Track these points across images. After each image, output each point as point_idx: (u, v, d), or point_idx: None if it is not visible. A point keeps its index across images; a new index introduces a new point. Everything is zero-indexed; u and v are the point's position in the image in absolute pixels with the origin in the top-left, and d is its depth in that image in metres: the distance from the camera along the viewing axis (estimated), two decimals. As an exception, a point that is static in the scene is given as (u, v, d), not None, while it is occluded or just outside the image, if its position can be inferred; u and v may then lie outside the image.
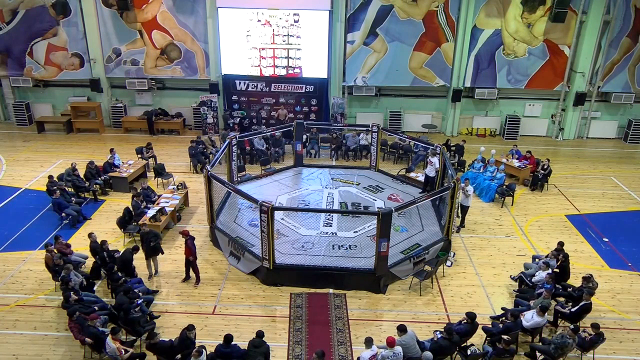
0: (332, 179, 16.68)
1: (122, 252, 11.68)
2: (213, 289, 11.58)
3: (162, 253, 12.13)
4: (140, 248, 11.78)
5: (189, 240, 11.52)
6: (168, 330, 9.55)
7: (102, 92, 21.39)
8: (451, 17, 19.94)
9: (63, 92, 21.84)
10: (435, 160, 14.81)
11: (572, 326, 9.61)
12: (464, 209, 14.18)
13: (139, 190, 14.57)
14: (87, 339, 9.22)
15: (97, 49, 20.70)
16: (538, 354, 9.40)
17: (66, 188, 14.96)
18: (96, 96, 21.57)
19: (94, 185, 15.55)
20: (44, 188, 14.97)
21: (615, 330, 10.56)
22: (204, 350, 8.66)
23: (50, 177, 15.00)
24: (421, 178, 15.97)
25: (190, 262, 11.66)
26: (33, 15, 20.15)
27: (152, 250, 11.82)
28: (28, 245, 13.06)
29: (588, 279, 10.79)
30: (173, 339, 9.14)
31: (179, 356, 8.84)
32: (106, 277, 11.35)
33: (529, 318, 9.83)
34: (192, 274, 11.81)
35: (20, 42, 20.58)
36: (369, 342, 8.65)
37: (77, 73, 21.16)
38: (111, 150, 16.92)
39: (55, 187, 14.36)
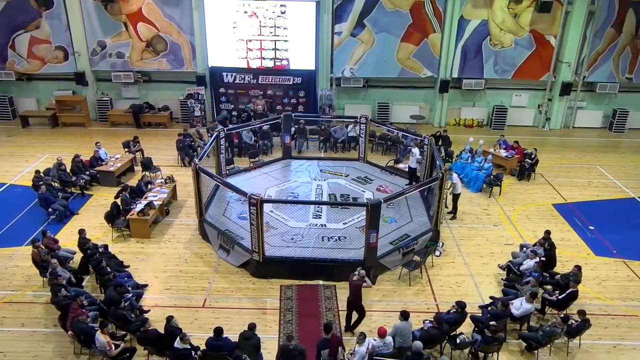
0: (320, 170, 16.67)
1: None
2: (203, 282, 11.55)
3: None
4: None
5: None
6: (158, 325, 9.49)
7: (87, 85, 21.09)
8: (438, 8, 19.92)
9: (47, 85, 21.47)
10: (416, 150, 14.88)
11: (562, 315, 9.76)
12: (455, 197, 14.25)
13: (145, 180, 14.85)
14: (70, 332, 9.19)
15: (82, 41, 20.37)
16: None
17: (53, 183, 14.79)
18: (81, 90, 21.26)
19: (81, 180, 15.38)
20: (30, 183, 14.79)
21: (601, 316, 10.73)
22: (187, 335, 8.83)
23: (37, 171, 14.82)
24: (409, 169, 16.05)
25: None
26: (14, 7, 19.72)
27: None
28: (14, 241, 12.90)
29: (580, 268, 10.94)
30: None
31: None
32: (94, 272, 11.26)
33: (518, 306, 9.95)
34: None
35: (2, 35, 20.13)
36: (362, 339, 8.57)
37: (61, 66, 20.82)
38: (96, 144, 16.73)
39: (41, 182, 14.19)
